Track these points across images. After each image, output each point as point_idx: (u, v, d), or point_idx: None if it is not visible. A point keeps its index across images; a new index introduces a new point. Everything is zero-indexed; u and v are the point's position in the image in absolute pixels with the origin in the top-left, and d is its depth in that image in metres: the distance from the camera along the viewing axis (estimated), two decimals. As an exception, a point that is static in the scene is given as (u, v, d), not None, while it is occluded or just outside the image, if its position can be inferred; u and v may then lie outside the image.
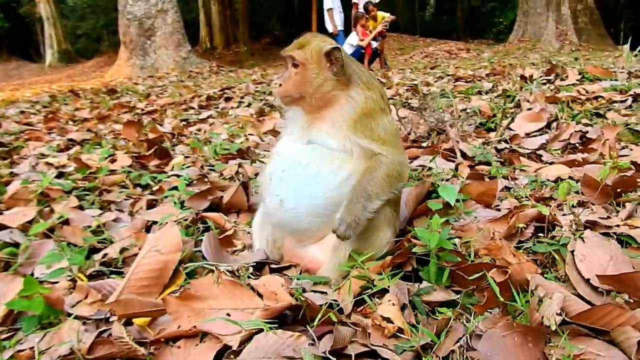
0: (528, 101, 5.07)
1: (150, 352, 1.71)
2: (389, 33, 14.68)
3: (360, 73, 2.24)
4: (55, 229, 2.73)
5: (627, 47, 7.26)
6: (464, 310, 1.84)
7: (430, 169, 3.43)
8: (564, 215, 2.46)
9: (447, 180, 3.18)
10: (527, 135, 4.25)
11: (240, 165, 3.69)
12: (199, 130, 6.19)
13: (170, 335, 1.77)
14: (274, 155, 2.25)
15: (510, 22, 25.59)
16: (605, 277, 1.79)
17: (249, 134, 5.40)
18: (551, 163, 3.46)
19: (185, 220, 2.76)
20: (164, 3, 17.22)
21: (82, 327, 1.87)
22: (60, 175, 3.86)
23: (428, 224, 2.27)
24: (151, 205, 3.19)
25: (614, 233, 2.20)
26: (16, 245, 2.60)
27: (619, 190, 2.66)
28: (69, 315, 1.98)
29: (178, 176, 3.65)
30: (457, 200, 2.44)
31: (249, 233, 2.70)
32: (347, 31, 14.72)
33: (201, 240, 2.47)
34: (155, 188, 3.52)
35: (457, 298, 1.89)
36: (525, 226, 2.27)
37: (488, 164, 3.51)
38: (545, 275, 1.96)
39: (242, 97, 8.48)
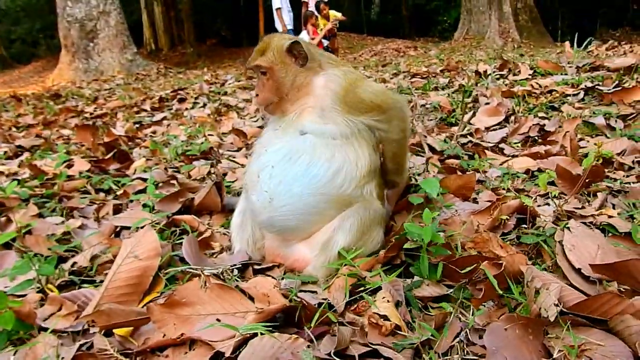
0: (485, 96, 5.17)
1: (137, 363, 1.61)
2: (337, 32, 14.72)
3: (327, 55, 2.31)
4: (16, 239, 2.55)
5: (567, 43, 7.58)
6: (457, 303, 1.82)
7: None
8: (539, 206, 2.49)
9: (419, 175, 3.18)
10: (487, 129, 4.32)
11: (212, 165, 3.58)
12: (154, 132, 6.01)
13: (157, 344, 1.68)
14: (261, 151, 2.18)
15: (454, 20, 26.17)
16: (599, 266, 1.79)
17: (208, 134, 5.26)
18: (514, 156, 3.51)
19: (158, 224, 2.65)
20: (106, 5, 16.76)
21: (59, 340, 1.75)
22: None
23: (411, 219, 2.26)
24: (117, 210, 3.04)
25: (591, 223, 2.23)
26: (-27, 260, 2.41)
27: (587, 180, 2.72)
28: (42, 329, 1.85)
29: (143, 179, 3.51)
30: (437, 194, 2.44)
31: (225, 235, 2.62)
32: (297, 31, 14.67)
33: (178, 244, 2.37)
34: (119, 192, 3.37)
35: (450, 292, 1.87)
36: (507, 218, 2.27)
37: (457, 157, 3.53)
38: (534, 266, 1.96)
39: (196, 98, 8.30)
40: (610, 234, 2.12)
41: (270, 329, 1.61)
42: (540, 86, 5.16)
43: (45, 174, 3.70)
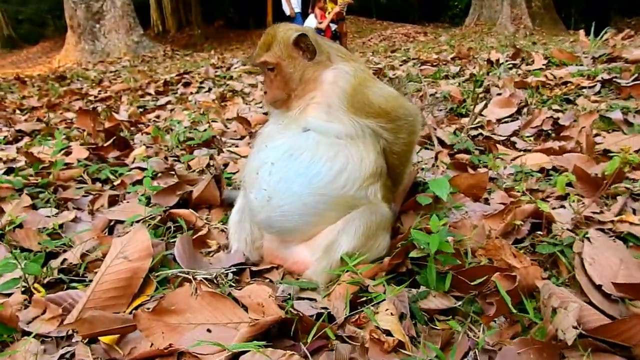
0: (497, 86, 5.00)
1: (120, 374, 1.51)
2: (345, 16, 14.47)
3: (336, 47, 2.18)
4: (6, 233, 2.45)
5: (582, 32, 7.35)
6: (465, 318, 1.68)
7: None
8: (554, 208, 2.33)
9: (428, 170, 3.04)
10: (499, 121, 4.15)
11: (212, 157, 3.46)
12: (158, 117, 5.89)
13: (143, 355, 1.58)
14: (262, 146, 2.06)
15: (465, 6, 25.70)
16: (623, 285, 1.64)
17: (212, 121, 5.14)
18: (527, 151, 3.36)
19: (153, 219, 2.53)
20: (112, -15, 16.54)
21: (41, 346, 1.68)
22: (9, 171, 3.54)
23: (419, 221, 2.14)
24: (113, 202, 2.93)
25: (610, 229, 2.07)
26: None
27: (605, 182, 2.56)
28: (25, 333, 1.76)
29: (141, 169, 3.40)
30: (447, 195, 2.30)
31: (223, 231, 2.50)
32: (304, 14, 14.41)
33: (172, 242, 2.25)
34: (116, 183, 3.25)
35: (459, 305, 1.72)
36: (522, 223, 2.12)
37: (467, 152, 3.39)
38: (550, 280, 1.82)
39: (201, 82, 8.17)
40: (631, 244, 1.97)
41: (263, 344, 1.50)
42: (554, 77, 4.97)
43: (41, 162, 3.59)
